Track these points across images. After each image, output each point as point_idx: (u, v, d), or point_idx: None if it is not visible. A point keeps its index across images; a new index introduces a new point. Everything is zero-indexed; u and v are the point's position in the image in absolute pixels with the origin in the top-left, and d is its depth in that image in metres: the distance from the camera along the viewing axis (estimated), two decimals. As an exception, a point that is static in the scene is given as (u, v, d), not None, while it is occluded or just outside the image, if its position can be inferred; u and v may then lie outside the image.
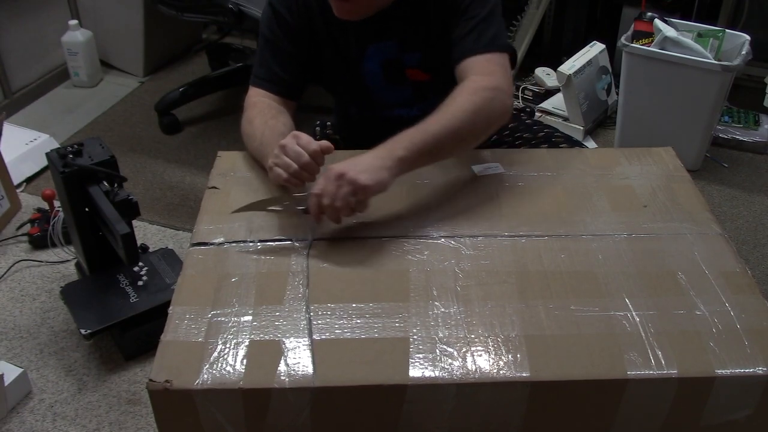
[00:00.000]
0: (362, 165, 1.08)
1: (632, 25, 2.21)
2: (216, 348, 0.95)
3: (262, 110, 1.31)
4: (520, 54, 2.61)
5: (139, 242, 1.65)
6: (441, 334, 0.96)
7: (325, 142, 1.13)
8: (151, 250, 1.77)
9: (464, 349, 0.94)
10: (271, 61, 1.36)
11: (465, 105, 1.17)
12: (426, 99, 1.39)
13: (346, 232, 1.14)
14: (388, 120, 1.39)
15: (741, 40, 2.16)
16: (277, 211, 1.16)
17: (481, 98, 1.18)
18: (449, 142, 1.15)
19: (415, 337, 0.96)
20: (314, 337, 0.96)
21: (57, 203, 1.88)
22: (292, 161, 1.12)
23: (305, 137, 1.13)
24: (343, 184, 1.06)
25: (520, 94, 2.59)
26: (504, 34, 1.31)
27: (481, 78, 1.22)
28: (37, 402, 1.51)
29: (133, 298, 1.58)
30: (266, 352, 0.94)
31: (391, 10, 1.31)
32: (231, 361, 0.93)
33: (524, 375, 0.91)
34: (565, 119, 2.41)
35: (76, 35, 2.62)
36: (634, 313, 1.00)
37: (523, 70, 2.66)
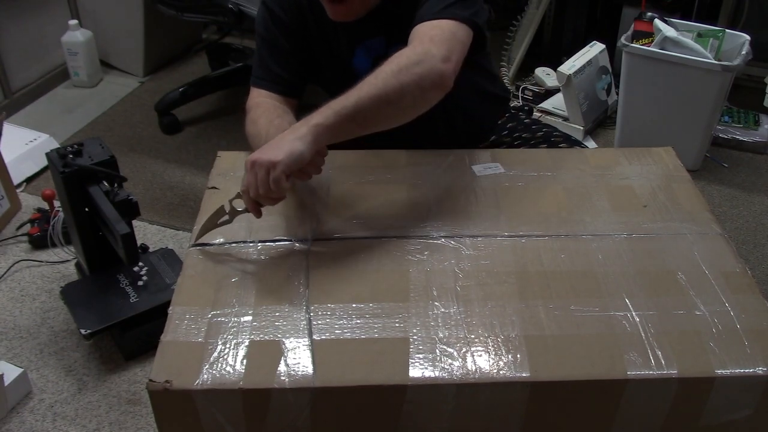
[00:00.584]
0: (272, 144, 1.05)
1: (632, 25, 2.21)
2: (216, 348, 0.95)
3: (266, 110, 1.31)
4: (520, 54, 2.61)
5: (139, 242, 1.66)
6: (441, 335, 0.96)
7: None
8: (151, 250, 1.77)
9: (464, 350, 0.94)
10: (269, 61, 1.37)
11: (389, 67, 1.10)
12: None
13: (346, 233, 1.14)
14: None
15: (741, 40, 2.16)
16: (227, 221, 1.13)
17: (408, 59, 1.11)
18: (374, 107, 1.08)
19: (415, 337, 0.96)
20: (314, 337, 0.96)
21: (57, 203, 1.88)
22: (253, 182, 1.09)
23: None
24: (258, 170, 1.02)
25: (520, 94, 2.59)
26: (469, 10, 1.22)
27: (417, 43, 1.15)
28: (37, 402, 1.51)
29: (133, 298, 1.58)
30: (266, 353, 0.94)
31: (380, 7, 1.31)
32: (231, 362, 0.93)
33: (524, 375, 0.91)
34: (565, 119, 2.41)
35: (76, 35, 2.62)
36: (634, 313, 1.00)
37: (523, 70, 2.66)
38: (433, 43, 1.14)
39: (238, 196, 1.09)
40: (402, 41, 1.35)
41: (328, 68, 1.42)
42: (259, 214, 1.08)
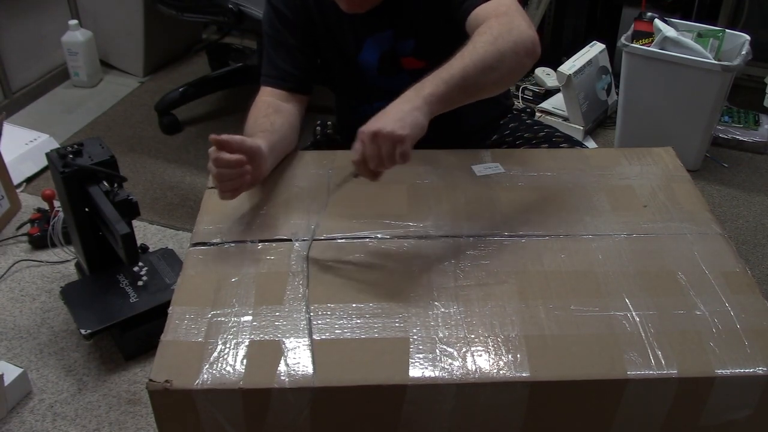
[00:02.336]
0: (393, 116, 1.04)
1: (632, 25, 2.21)
2: (216, 348, 0.95)
3: (258, 108, 1.32)
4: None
5: (139, 242, 1.66)
6: (441, 334, 0.96)
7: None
8: (151, 250, 1.77)
9: (464, 349, 0.94)
10: (276, 58, 1.37)
11: (485, 36, 1.13)
12: None
13: (346, 233, 1.14)
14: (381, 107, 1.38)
15: (741, 40, 2.16)
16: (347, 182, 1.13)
17: (500, 28, 1.14)
18: (479, 73, 1.10)
19: (415, 337, 0.96)
20: (314, 337, 0.96)
21: (57, 203, 1.88)
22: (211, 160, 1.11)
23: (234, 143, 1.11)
24: (383, 143, 1.02)
25: (520, 94, 2.59)
26: None
27: (494, 18, 1.17)
28: (37, 402, 1.51)
29: (133, 298, 1.58)
30: (266, 352, 0.94)
31: (388, 0, 1.31)
32: (231, 361, 0.93)
33: (524, 375, 0.91)
34: (565, 119, 2.41)
35: (76, 35, 2.62)
36: (634, 313, 1.00)
37: (523, 70, 2.66)
38: (509, 15, 1.17)
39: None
40: (409, 35, 1.35)
41: (334, 63, 1.43)
42: (377, 178, 1.08)
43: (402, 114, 1.03)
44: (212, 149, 1.10)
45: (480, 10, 1.22)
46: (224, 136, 1.10)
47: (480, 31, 1.15)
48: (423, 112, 1.05)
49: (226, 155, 1.10)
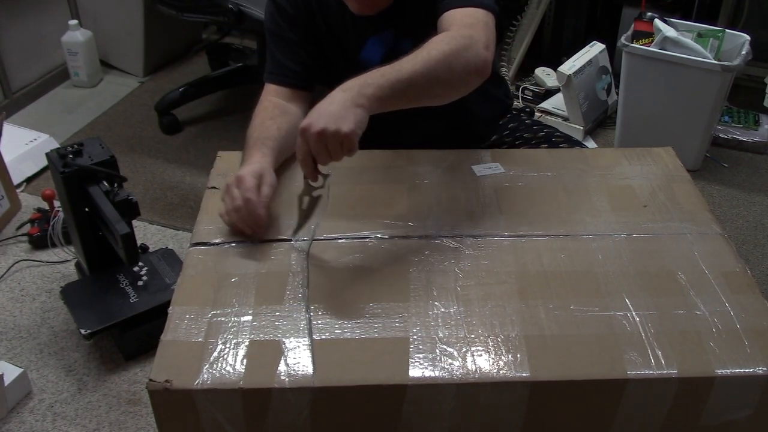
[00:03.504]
0: (335, 112, 1.02)
1: (632, 25, 2.21)
2: (216, 348, 0.95)
3: (266, 109, 1.32)
4: (520, 54, 2.61)
5: (139, 242, 1.65)
6: (441, 334, 0.96)
7: (264, 198, 1.12)
8: (151, 250, 1.77)
9: (464, 349, 0.94)
10: (278, 54, 1.37)
11: (441, 47, 1.12)
12: None
13: (346, 233, 1.14)
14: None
15: (741, 40, 2.16)
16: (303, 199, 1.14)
17: (457, 43, 1.13)
18: (424, 83, 1.09)
19: (415, 337, 0.96)
20: (314, 337, 0.96)
21: (57, 203, 1.88)
22: (230, 203, 1.12)
23: (246, 184, 1.12)
24: (329, 141, 1.01)
25: (520, 94, 2.59)
26: None
27: (458, 28, 1.17)
28: (37, 402, 1.51)
29: (133, 298, 1.58)
30: (266, 352, 0.94)
31: (393, 2, 1.32)
32: (231, 361, 0.93)
33: (524, 375, 0.91)
34: (565, 119, 2.41)
35: (76, 35, 2.62)
36: (634, 313, 1.00)
37: (523, 70, 2.66)
38: (474, 29, 1.17)
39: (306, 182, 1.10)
40: (410, 35, 1.35)
41: (335, 62, 1.43)
42: (317, 179, 1.09)
43: (344, 110, 1.02)
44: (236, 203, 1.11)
45: (450, 15, 1.21)
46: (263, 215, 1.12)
47: (439, 39, 1.14)
48: (365, 109, 1.04)
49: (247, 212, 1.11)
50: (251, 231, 1.12)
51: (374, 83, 1.06)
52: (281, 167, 1.28)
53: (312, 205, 1.13)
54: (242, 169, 1.16)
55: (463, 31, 1.16)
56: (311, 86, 1.40)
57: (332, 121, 1.01)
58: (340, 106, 1.03)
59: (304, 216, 1.13)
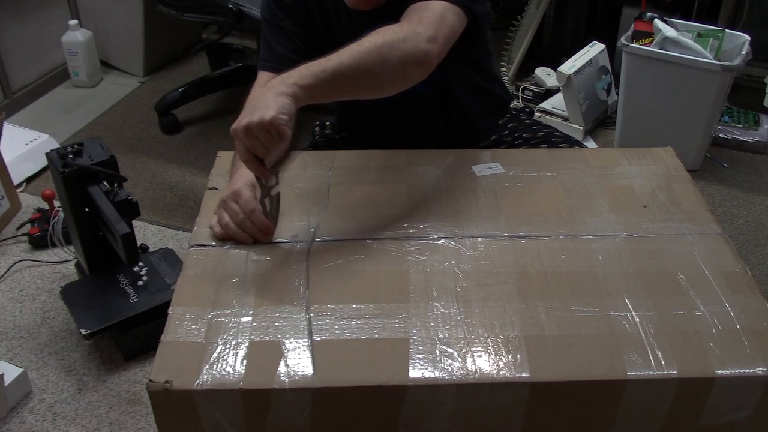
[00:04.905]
0: (259, 105, 1.03)
1: (632, 25, 2.21)
2: (216, 348, 0.94)
3: None
4: (520, 54, 2.61)
5: (139, 242, 1.66)
6: (441, 335, 0.96)
7: (260, 216, 1.11)
8: (151, 250, 1.77)
9: (464, 350, 0.94)
10: (273, 42, 1.38)
11: (373, 39, 1.11)
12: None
13: (346, 233, 1.14)
14: (380, 103, 1.39)
15: (741, 40, 2.16)
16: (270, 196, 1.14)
17: (394, 34, 1.12)
18: (353, 74, 1.08)
19: (415, 337, 0.96)
20: (314, 337, 0.96)
21: (57, 203, 1.88)
22: (228, 217, 1.12)
23: (245, 197, 1.12)
24: (257, 132, 1.02)
25: (520, 94, 2.59)
26: None
27: (405, 21, 1.16)
28: (37, 402, 1.51)
29: (133, 298, 1.58)
30: (266, 353, 0.94)
31: None
32: (231, 362, 0.93)
33: (524, 375, 0.91)
34: (565, 119, 2.41)
35: (76, 35, 2.62)
36: (633, 314, 1.00)
37: (523, 70, 2.66)
38: (421, 23, 1.15)
39: (259, 182, 1.10)
40: None
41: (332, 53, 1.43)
42: (269, 175, 1.09)
43: (265, 101, 1.03)
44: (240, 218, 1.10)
45: (411, 8, 1.20)
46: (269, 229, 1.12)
47: (376, 31, 1.14)
48: (288, 96, 1.04)
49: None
50: (253, 241, 1.12)
51: (296, 73, 1.06)
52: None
53: (275, 205, 1.13)
54: (235, 182, 1.16)
55: (407, 25, 1.15)
56: None
57: (254, 113, 1.01)
58: (260, 99, 1.03)
59: (273, 218, 1.13)
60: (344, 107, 1.54)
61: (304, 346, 0.95)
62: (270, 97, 1.03)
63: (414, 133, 1.45)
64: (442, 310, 1.00)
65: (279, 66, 1.36)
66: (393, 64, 1.11)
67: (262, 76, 1.37)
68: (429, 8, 1.19)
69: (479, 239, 1.13)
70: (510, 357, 0.93)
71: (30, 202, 2.08)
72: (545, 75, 2.60)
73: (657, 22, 2.15)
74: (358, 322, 0.98)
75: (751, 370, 0.93)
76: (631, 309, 1.00)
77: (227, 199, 1.13)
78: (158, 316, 1.48)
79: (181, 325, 0.98)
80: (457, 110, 1.44)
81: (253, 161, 1.05)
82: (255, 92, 1.05)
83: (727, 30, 2.18)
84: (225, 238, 1.13)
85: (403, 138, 1.41)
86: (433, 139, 1.43)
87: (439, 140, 1.44)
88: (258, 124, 1.00)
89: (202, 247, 1.12)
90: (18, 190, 2.10)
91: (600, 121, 2.46)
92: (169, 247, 1.77)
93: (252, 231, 1.11)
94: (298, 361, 0.93)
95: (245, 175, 1.16)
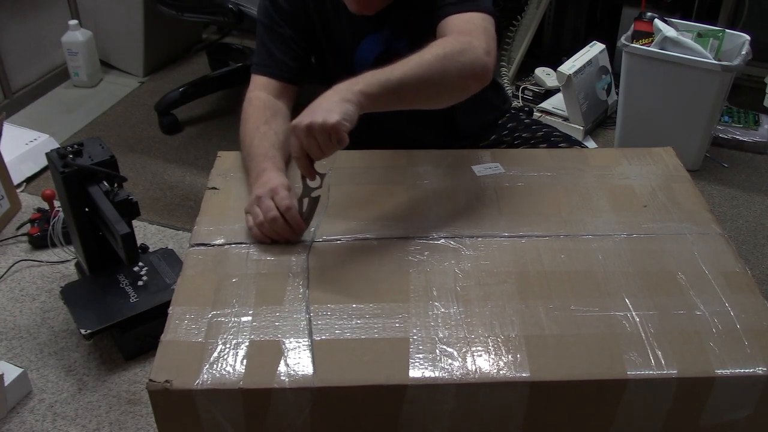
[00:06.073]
0: (323, 106, 1.04)
1: (632, 25, 2.21)
2: (216, 348, 0.95)
3: (257, 109, 1.31)
4: (520, 54, 2.61)
5: (139, 242, 1.65)
6: (441, 335, 0.96)
7: (294, 214, 1.11)
8: (151, 250, 1.77)
9: (464, 350, 0.94)
10: (270, 46, 1.37)
11: (436, 50, 1.13)
12: None
13: (346, 233, 1.14)
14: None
15: (741, 40, 2.16)
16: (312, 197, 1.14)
17: (453, 47, 1.14)
18: (416, 84, 1.11)
19: (415, 337, 0.96)
20: (314, 337, 0.96)
21: (57, 203, 1.88)
22: (262, 213, 1.11)
23: (282, 194, 1.12)
24: (318, 134, 1.02)
25: (520, 94, 2.59)
26: (487, 0, 1.26)
27: (458, 34, 1.18)
28: (37, 402, 1.51)
29: (133, 298, 1.58)
30: (266, 353, 0.94)
31: (392, 2, 1.32)
32: (231, 362, 0.93)
33: (524, 375, 0.91)
34: (565, 119, 2.41)
35: (76, 35, 2.62)
36: (633, 313, 1.00)
37: (523, 70, 2.66)
38: (473, 35, 1.17)
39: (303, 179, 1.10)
40: (404, 35, 1.35)
41: (329, 58, 1.43)
42: (314, 178, 1.10)
43: (331, 104, 1.04)
44: (271, 215, 1.10)
45: (449, 20, 1.22)
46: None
47: (435, 43, 1.15)
48: (353, 104, 1.05)
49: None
50: (284, 240, 1.12)
51: (363, 81, 1.07)
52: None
53: (312, 207, 1.13)
54: (270, 181, 1.15)
55: (461, 37, 1.17)
56: (301, 83, 1.40)
57: (318, 114, 1.02)
58: (327, 102, 1.04)
59: (306, 219, 1.13)
60: None
61: (304, 345, 0.95)
62: (336, 101, 1.04)
63: (414, 134, 1.45)
64: (442, 310, 1.00)
65: (278, 72, 1.36)
66: (454, 76, 1.13)
67: (259, 80, 1.37)
68: (471, 21, 1.21)
69: (479, 239, 1.13)
70: (510, 357, 0.93)
71: (30, 202, 2.08)
72: (545, 75, 2.60)
73: (657, 22, 2.15)
74: (358, 321, 0.98)
75: (751, 370, 0.93)
76: (631, 309, 1.00)
77: (263, 195, 1.12)
78: (158, 316, 1.48)
79: (181, 325, 0.98)
80: (456, 115, 1.44)
81: (304, 159, 1.06)
82: (323, 95, 1.06)
83: (727, 30, 2.18)
84: (261, 238, 1.12)
85: (403, 138, 1.41)
86: (433, 140, 1.43)
87: (440, 140, 1.44)
88: (321, 125, 1.01)
89: (202, 247, 1.12)
90: (18, 190, 2.10)
91: (600, 121, 2.46)
92: (169, 247, 1.77)
93: (282, 229, 1.11)
94: (298, 361, 0.93)
95: (278, 177, 1.16)
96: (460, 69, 1.13)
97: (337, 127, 1.01)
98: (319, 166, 1.09)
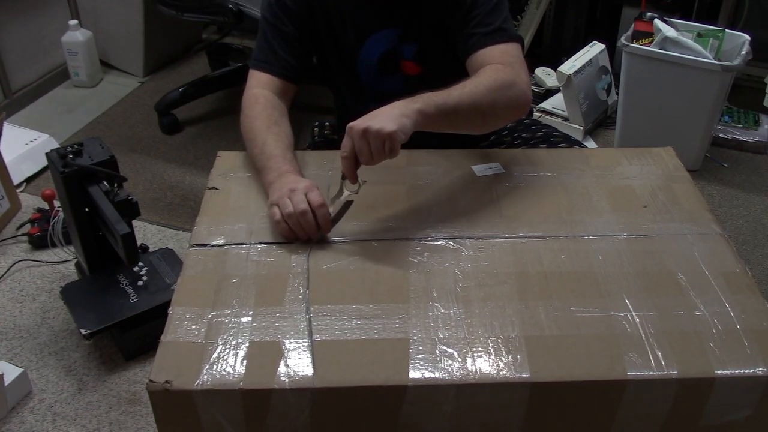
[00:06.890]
0: (382, 116, 1.08)
1: (632, 25, 2.21)
2: (216, 349, 0.95)
3: (265, 108, 1.30)
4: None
5: (139, 242, 1.65)
6: (441, 335, 0.96)
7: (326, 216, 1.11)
8: (151, 250, 1.77)
9: (464, 350, 0.94)
10: (273, 43, 1.37)
11: (488, 81, 1.20)
12: (416, 93, 1.40)
13: (346, 234, 1.14)
14: (379, 104, 1.39)
15: (741, 40, 2.16)
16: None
17: (504, 80, 1.21)
18: (468, 111, 1.16)
19: (415, 338, 0.96)
20: (314, 338, 0.96)
21: (57, 203, 1.88)
22: (293, 205, 1.10)
23: (315, 192, 1.12)
24: (372, 139, 1.06)
25: (520, 94, 2.59)
26: (512, 24, 1.32)
27: (502, 66, 1.24)
28: (37, 402, 1.51)
29: (133, 298, 1.58)
30: (266, 353, 0.94)
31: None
32: (231, 362, 0.93)
33: (524, 376, 0.91)
34: (565, 119, 2.41)
35: (76, 35, 2.62)
36: (633, 314, 1.00)
37: (523, 70, 2.66)
38: (515, 69, 1.25)
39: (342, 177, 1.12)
40: (413, 39, 1.35)
41: (331, 58, 1.43)
42: (354, 181, 1.12)
43: (390, 116, 1.08)
44: (300, 210, 1.10)
45: (485, 53, 1.27)
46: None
47: (487, 73, 1.21)
48: (410, 120, 1.09)
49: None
50: (306, 237, 1.12)
51: (421, 101, 1.12)
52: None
53: (342, 210, 1.14)
54: (302, 180, 1.15)
55: (509, 69, 1.23)
56: (299, 81, 1.40)
57: (377, 121, 1.06)
58: (386, 112, 1.09)
59: (334, 220, 1.13)
60: (344, 108, 1.54)
61: (304, 346, 0.95)
62: (396, 114, 1.08)
63: (414, 135, 1.45)
64: (442, 311, 1.00)
65: (280, 69, 1.36)
66: (501, 107, 1.21)
67: (261, 76, 1.36)
68: (509, 53, 1.27)
69: (479, 240, 1.13)
70: (510, 357, 0.93)
71: (30, 202, 2.08)
72: (545, 75, 2.60)
73: (657, 22, 2.15)
74: (358, 322, 0.98)
75: (751, 371, 0.93)
76: (631, 309, 1.00)
77: (297, 189, 1.12)
78: (158, 316, 1.48)
79: (181, 325, 0.98)
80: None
81: (352, 161, 1.09)
82: (383, 107, 1.10)
83: (727, 30, 2.18)
84: (286, 233, 1.12)
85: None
86: (433, 140, 1.43)
87: (439, 140, 1.44)
88: (377, 131, 1.05)
89: (202, 247, 1.12)
90: (18, 190, 2.10)
91: (600, 121, 2.46)
92: (169, 247, 1.77)
93: (309, 225, 1.10)
94: (298, 362, 0.93)
95: (306, 180, 1.17)
96: (506, 102, 1.21)
97: (393, 136, 1.05)
98: (360, 173, 1.11)
